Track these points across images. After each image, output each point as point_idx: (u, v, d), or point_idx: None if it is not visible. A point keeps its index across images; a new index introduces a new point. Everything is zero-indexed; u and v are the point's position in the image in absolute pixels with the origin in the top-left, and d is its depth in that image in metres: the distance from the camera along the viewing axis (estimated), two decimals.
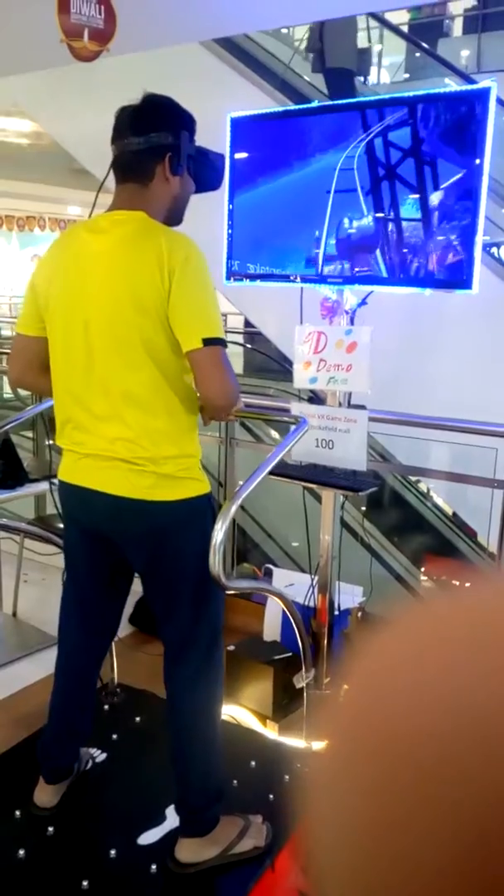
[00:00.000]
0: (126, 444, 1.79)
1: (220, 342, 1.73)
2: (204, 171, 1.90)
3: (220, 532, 1.84)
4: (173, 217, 1.87)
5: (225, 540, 1.86)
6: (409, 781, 0.25)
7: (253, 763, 2.38)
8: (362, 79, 5.79)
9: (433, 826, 0.24)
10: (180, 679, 1.95)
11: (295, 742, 2.52)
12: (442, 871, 0.24)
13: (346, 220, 2.27)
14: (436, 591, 0.31)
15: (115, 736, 2.52)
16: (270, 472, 2.55)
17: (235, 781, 2.23)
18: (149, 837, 2.09)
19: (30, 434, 4.56)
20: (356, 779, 0.27)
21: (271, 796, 2.18)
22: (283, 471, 2.50)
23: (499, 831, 0.23)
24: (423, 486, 5.62)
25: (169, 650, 1.98)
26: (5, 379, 7.83)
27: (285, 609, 2.33)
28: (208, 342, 1.71)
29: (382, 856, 0.25)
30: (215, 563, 1.83)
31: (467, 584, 0.30)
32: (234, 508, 1.92)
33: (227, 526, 1.86)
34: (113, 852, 2.02)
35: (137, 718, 2.63)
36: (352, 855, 0.26)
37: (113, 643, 2.42)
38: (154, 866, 1.97)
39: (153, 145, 1.80)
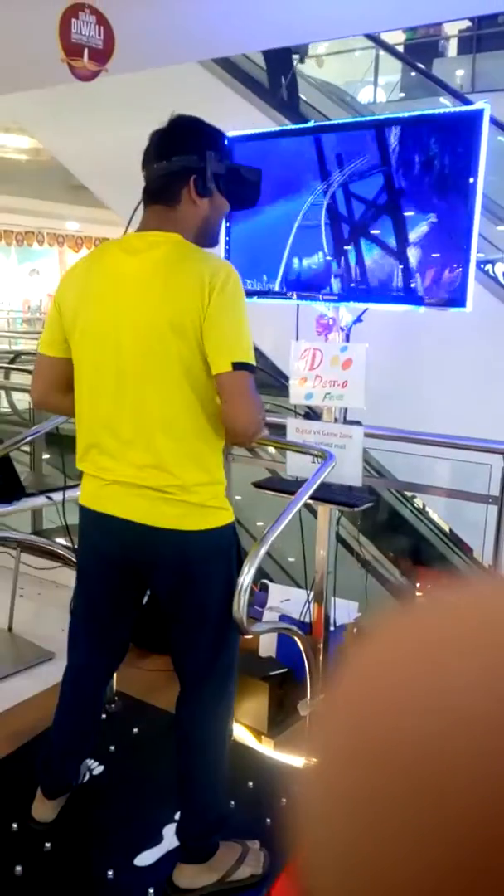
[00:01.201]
0: (155, 472, 1.75)
1: (249, 368, 1.69)
2: (238, 188, 1.85)
3: (247, 576, 1.81)
4: (206, 238, 1.82)
5: (251, 583, 1.82)
6: (395, 790, 0.25)
7: (251, 784, 2.37)
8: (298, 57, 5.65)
9: (415, 835, 0.24)
10: (194, 710, 1.93)
11: (292, 760, 2.51)
12: (429, 877, 0.24)
13: (341, 237, 2.30)
14: (423, 601, 0.31)
15: (112, 747, 2.51)
16: (267, 488, 2.56)
17: (233, 803, 2.22)
18: (146, 858, 2.07)
19: (27, 449, 4.57)
20: (342, 790, 0.27)
21: (269, 820, 2.17)
22: (280, 486, 2.51)
23: (490, 838, 0.23)
24: (418, 502, 5.63)
25: (185, 680, 1.94)
26: (2, 393, 7.85)
27: (299, 645, 2.32)
28: (238, 366, 1.67)
29: (370, 866, 0.25)
30: (240, 607, 1.80)
31: (452, 591, 0.30)
32: (262, 551, 1.87)
33: (254, 570, 1.82)
34: (110, 873, 2.01)
35: (135, 729, 2.62)
36: (341, 867, 0.26)
37: None
38: (151, 889, 1.95)
39: (176, 169, 1.76)
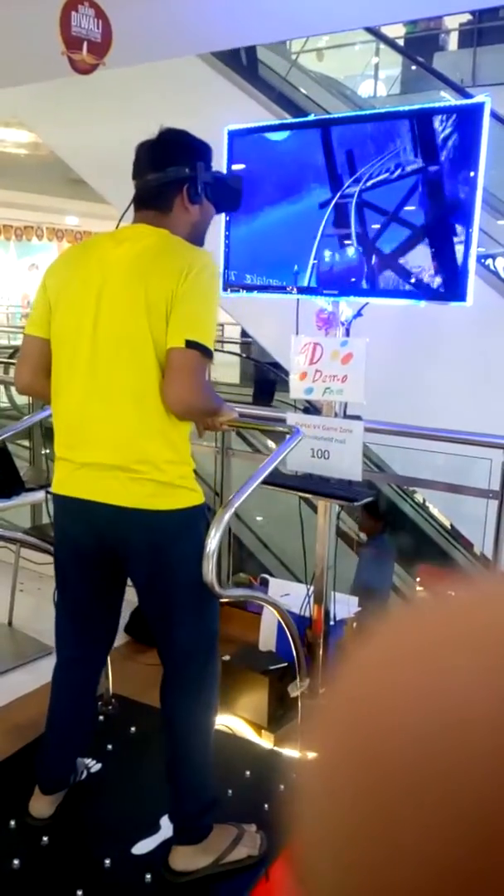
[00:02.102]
0: (124, 448, 1.79)
1: (203, 349, 1.74)
2: (223, 194, 1.96)
3: (213, 540, 1.84)
4: (193, 241, 1.90)
5: (218, 548, 1.86)
6: (394, 787, 0.25)
7: (248, 773, 2.38)
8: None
9: (414, 832, 0.24)
10: (177, 690, 1.95)
11: (290, 752, 2.51)
12: (424, 872, 0.24)
13: (341, 232, 2.29)
14: (425, 599, 0.31)
15: (109, 746, 2.52)
16: (267, 482, 2.56)
17: (230, 791, 2.23)
18: (143, 847, 2.08)
19: (26, 443, 4.57)
20: (341, 785, 0.27)
21: (266, 806, 2.18)
22: (280, 481, 2.51)
23: (487, 831, 0.23)
24: (418, 497, 5.64)
25: (167, 662, 1.98)
26: (1, 388, 7.85)
27: (278, 617, 2.34)
28: (191, 344, 1.72)
29: (365, 862, 0.25)
30: (209, 570, 1.83)
31: (455, 590, 0.30)
32: (227, 516, 1.92)
33: (220, 534, 1.87)
34: (107, 862, 2.02)
35: (132, 729, 2.62)
36: (337, 862, 0.27)
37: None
38: (149, 875, 1.97)
39: (170, 179, 1.86)
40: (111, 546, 1.90)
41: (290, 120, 2.55)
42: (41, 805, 2.14)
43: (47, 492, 2.52)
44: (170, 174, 1.85)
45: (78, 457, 1.86)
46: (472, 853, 0.23)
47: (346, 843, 0.26)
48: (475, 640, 0.27)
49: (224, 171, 2.35)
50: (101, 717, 2.66)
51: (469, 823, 0.23)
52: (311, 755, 0.29)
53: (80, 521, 1.91)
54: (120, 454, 1.80)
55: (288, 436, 2.19)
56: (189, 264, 1.75)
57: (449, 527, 5.38)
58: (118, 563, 1.94)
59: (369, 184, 2.23)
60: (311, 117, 2.47)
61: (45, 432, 4.57)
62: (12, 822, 2.14)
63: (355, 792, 0.26)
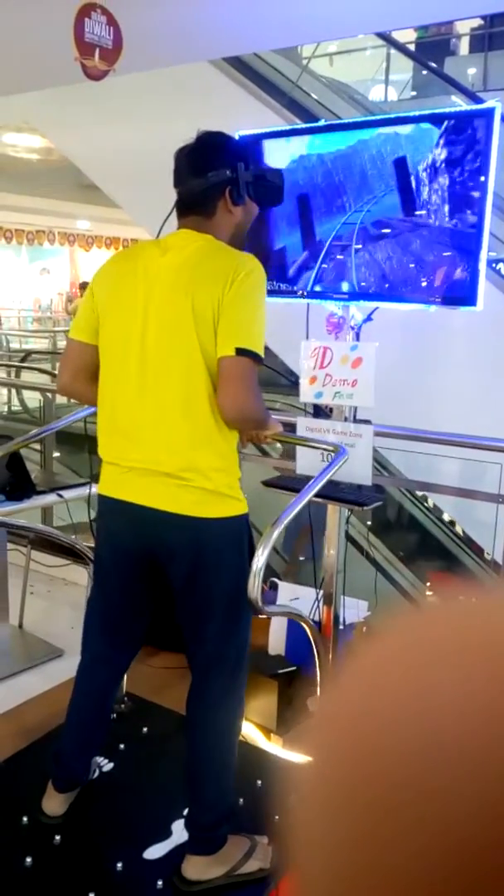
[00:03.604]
0: (172, 455, 1.80)
1: (253, 356, 1.75)
2: (264, 190, 1.97)
3: (261, 557, 1.84)
4: (238, 240, 1.92)
5: (265, 565, 1.85)
6: (382, 796, 0.25)
7: (259, 782, 2.37)
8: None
9: (400, 841, 0.24)
10: (206, 698, 1.95)
11: (300, 759, 2.51)
12: (411, 884, 0.24)
13: (350, 236, 2.30)
14: (427, 608, 0.31)
15: (122, 746, 2.52)
16: (274, 485, 2.57)
17: (242, 801, 2.22)
18: (155, 852, 2.09)
19: (37, 447, 4.59)
20: (332, 793, 0.27)
21: (277, 817, 2.17)
22: (290, 485, 2.51)
23: (470, 848, 0.23)
24: (429, 502, 5.62)
25: (196, 668, 1.97)
26: (13, 392, 7.89)
27: (310, 635, 2.31)
28: (241, 352, 1.73)
29: (353, 870, 0.26)
30: (255, 587, 1.83)
31: (457, 603, 0.30)
32: (276, 534, 1.90)
33: (268, 551, 1.85)
34: (119, 865, 2.02)
35: (145, 729, 2.63)
36: (327, 869, 0.27)
37: None
38: (160, 882, 1.97)
39: (213, 184, 1.87)
40: (152, 549, 1.91)
41: (300, 125, 2.57)
42: (54, 803, 2.15)
43: (58, 495, 2.52)
44: (211, 179, 1.86)
45: (126, 462, 1.87)
46: (451, 874, 0.23)
47: (335, 857, 0.26)
48: (467, 647, 0.27)
49: None
50: (113, 716, 2.67)
51: (446, 845, 0.23)
52: (307, 760, 0.30)
53: (125, 522, 1.93)
54: (168, 462, 1.80)
55: (334, 454, 2.21)
56: (234, 270, 1.76)
57: (461, 532, 5.36)
58: (157, 568, 1.94)
59: (379, 188, 2.23)
60: (322, 122, 2.47)
61: (58, 436, 4.58)
62: (25, 819, 2.15)
63: (339, 799, 0.27)
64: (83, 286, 14.07)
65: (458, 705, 0.25)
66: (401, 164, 2.19)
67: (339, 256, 2.34)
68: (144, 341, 1.82)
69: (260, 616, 1.99)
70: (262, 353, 1.77)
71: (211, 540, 1.85)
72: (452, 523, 5.46)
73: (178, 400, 1.79)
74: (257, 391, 1.79)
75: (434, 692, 0.26)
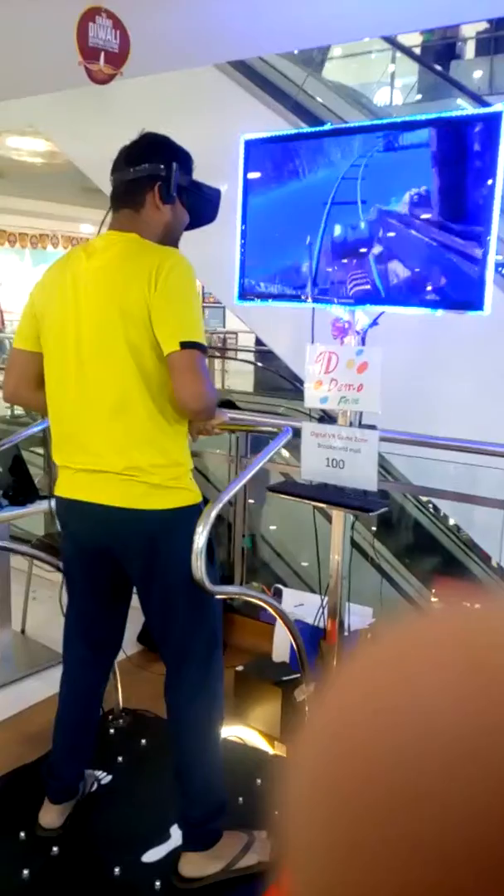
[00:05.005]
0: (114, 457, 1.84)
1: (198, 346, 1.78)
2: (198, 204, 2.00)
3: (201, 536, 1.85)
4: (167, 244, 1.93)
5: (206, 544, 1.86)
6: (374, 801, 0.25)
7: (258, 781, 2.36)
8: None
9: (392, 846, 0.24)
10: (180, 692, 1.97)
11: (295, 762, 2.49)
12: (403, 888, 0.24)
13: (357, 240, 2.28)
14: (425, 615, 0.31)
15: (120, 759, 2.51)
16: (278, 491, 2.55)
17: (241, 799, 2.21)
18: (153, 855, 2.08)
19: (40, 451, 4.57)
20: (325, 798, 0.27)
21: (277, 812, 2.16)
22: (294, 490, 2.49)
23: (458, 855, 0.23)
24: (434, 508, 5.59)
25: (168, 664, 2.00)
26: None
27: (274, 614, 2.32)
28: (186, 345, 1.75)
29: (346, 875, 0.26)
30: (198, 567, 1.84)
31: (454, 609, 0.30)
32: (213, 513, 1.92)
33: (207, 530, 1.87)
34: (117, 870, 2.01)
35: (143, 741, 2.61)
36: (321, 873, 0.27)
37: (117, 666, 2.41)
38: (158, 883, 1.96)
39: (144, 175, 1.90)
40: (108, 545, 1.94)
41: (306, 129, 2.55)
42: (51, 816, 2.13)
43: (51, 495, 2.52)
44: (143, 170, 1.90)
45: (73, 464, 1.92)
46: (442, 879, 0.24)
47: (329, 861, 0.27)
48: (469, 664, 0.27)
49: (239, 180, 2.36)
50: (111, 731, 2.66)
51: (426, 855, 0.24)
52: (296, 759, 0.30)
53: (80, 520, 1.97)
54: (111, 462, 1.84)
55: (278, 433, 2.27)
56: (157, 266, 1.78)
57: (467, 538, 5.34)
58: (117, 563, 1.97)
59: (385, 192, 2.21)
60: (328, 126, 2.46)
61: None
62: (22, 834, 2.13)
63: (331, 802, 0.27)
64: None
65: (450, 711, 0.25)
66: (407, 168, 2.17)
67: (344, 260, 2.32)
68: (79, 346, 1.86)
69: (216, 597, 1.98)
70: (204, 342, 1.81)
71: (159, 531, 1.87)
72: (458, 529, 5.44)
73: (112, 402, 1.83)
74: (210, 380, 1.83)
75: (427, 698, 0.26)
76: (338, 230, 2.32)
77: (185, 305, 1.81)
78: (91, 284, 1.86)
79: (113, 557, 1.96)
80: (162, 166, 1.90)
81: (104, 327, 1.82)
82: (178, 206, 1.95)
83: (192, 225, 2.02)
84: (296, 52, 5.90)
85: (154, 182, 1.90)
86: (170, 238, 1.95)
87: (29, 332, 1.99)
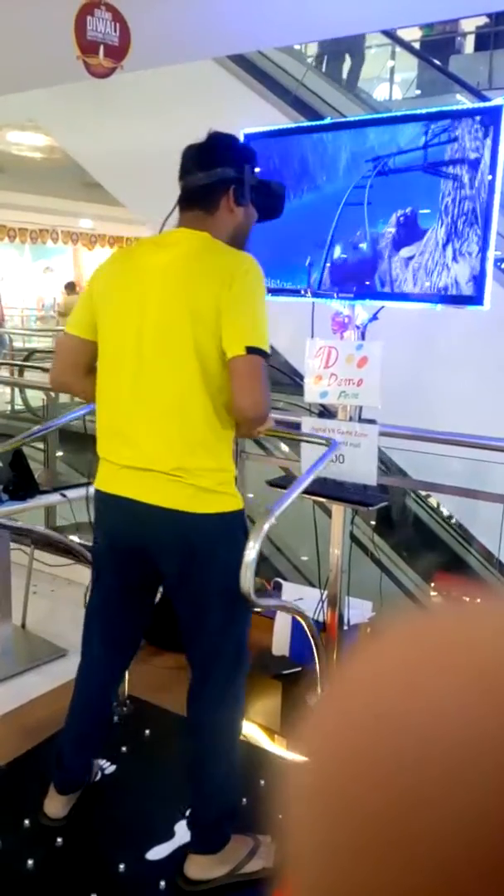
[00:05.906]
0: (165, 456, 1.81)
1: (263, 353, 1.76)
2: (266, 200, 1.98)
3: (253, 549, 1.82)
4: (236, 244, 1.92)
5: (257, 557, 1.84)
6: (379, 806, 0.25)
7: (262, 782, 2.36)
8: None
9: (393, 851, 0.24)
10: (205, 695, 1.95)
11: (299, 762, 2.49)
12: (406, 893, 0.24)
13: (356, 235, 2.28)
14: (429, 614, 0.31)
15: (124, 748, 2.51)
16: (278, 486, 2.55)
17: (245, 800, 2.21)
18: (158, 853, 2.08)
19: (41, 446, 4.58)
20: (329, 801, 0.27)
21: (281, 816, 2.16)
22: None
23: (460, 859, 0.23)
24: (433, 502, 5.60)
25: (195, 666, 1.97)
26: (16, 390, 7.88)
27: (307, 630, 2.30)
28: (252, 350, 1.74)
29: (350, 879, 0.26)
30: (247, 580, 1.82)
31: (460, 609, 0.30)
32: (266, 526, 1.90)
33: (259, 543, 1.85)
34: (122, 866, 2.01)
35: (147, 731, 2.62)
36: (324, 877, 0.27)
37: None
38: (163, 882, 1.96)
39: (219, 179, 1.88)
40: (145, 544, 1.91)
41: (306, 123, 2.55)
42: (56, 805, 2.14)
43: (61, 494, 2.50)
44: (218, 174, 1.88)
45: (119, 459, 1.88)
46: (445, 885, 0.24)
47: (332, 865, 0.27)
48: (451, 661, 0.27)
49: None
50: (115, 719, 2.66)
51: (428, 859, 0.24)
52: (299, 761, 0.30)
53: (119, 517, 1.93)
54: (161, 462, 1.81)
55: (326, 448, 2.22)
56: (233, 269, 1.77)
57: (466, 533, 5.35)
58: (151, 563, 1.94)
59: (385, 186, 2.21)
60: (328, 120, 2.46)
61: (61, 435, 4.57)
62: (26, 822, 2.14)
63: (333, 807, 0.27)
64: (69, 286, 14.11)
65: (454, 716, 0.25)
66: (406, 163, 2.18)
67: (343, 255, 2.32)
68: (140, 340, 1.82)
69: (255, 610, 1.97)
70: (268, 350, 1.79)
71: (202, 535, 1.85)
72: (458, 524, 5.44)
73: (170, 401, 1.80)
74: (268, 390, 1.81)
75: (430, 703, 0.26)
76: (337, 225, 2.31)
77: (254, 311, 1.79)
78: (159, 280, 1.82)
79: (147, 557, 1.93)
80: (235, 170, 1.89)
81: (171, 324, 1.79)
82: (249, 207, 1.94)
83: (260, 220, 2.01)
84: (303, 48, 5.90)
85: (228, 186, 1.89)
86: (239, 238, 1.94)
87: (83, 319, 1.95)
